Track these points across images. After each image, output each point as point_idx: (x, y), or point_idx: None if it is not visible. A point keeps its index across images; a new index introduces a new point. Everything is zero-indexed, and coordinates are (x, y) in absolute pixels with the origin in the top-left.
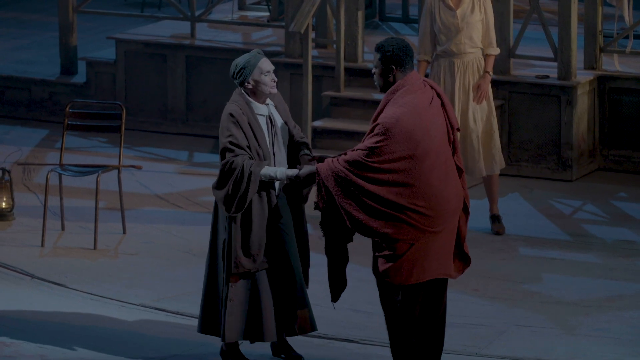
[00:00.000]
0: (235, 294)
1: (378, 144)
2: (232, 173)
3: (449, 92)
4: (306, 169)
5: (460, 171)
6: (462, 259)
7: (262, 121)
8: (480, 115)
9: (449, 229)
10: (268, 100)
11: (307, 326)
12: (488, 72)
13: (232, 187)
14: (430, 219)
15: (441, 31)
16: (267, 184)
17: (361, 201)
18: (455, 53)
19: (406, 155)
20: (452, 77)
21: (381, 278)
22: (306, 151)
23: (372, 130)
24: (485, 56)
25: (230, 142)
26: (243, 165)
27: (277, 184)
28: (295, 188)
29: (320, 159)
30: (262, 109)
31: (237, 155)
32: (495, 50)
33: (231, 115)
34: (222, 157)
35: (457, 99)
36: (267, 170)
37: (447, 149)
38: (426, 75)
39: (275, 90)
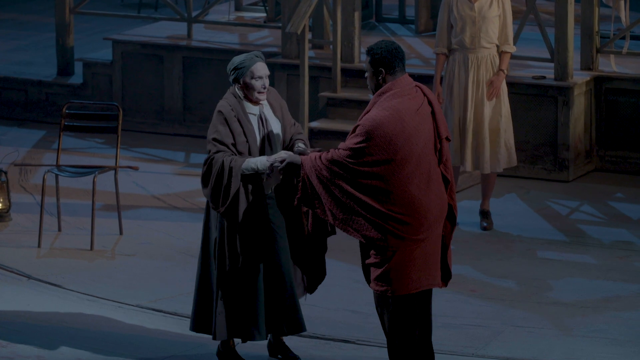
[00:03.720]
0: (227, 293)
1: (358, 145)
2: (212, 169)
3: (463, 87)
4: (291, 157)
5: (447, 181)
6: (444, 274)
7: (254, 120)
8: (489, 112)
9: (432, 238)
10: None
11: (296, 326)
12: (502, 70)
13: (214, 183)
14: (410, 226)
15: (457, 23)
16: (257, 183)
17: (342, 202)
18: (470, 47)
19: (384, 159)
20: (466, 72)
21: (372, 288)
22: (300, 144)
23: (354, 130)
24: (501, 53)
25: (214, 139)
26: (223, 161)
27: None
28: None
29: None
30: (254, 109)
31: (218, 152)
32: (511, 48)
33: (220, 112)
34: (207, 154)
35: (470, 94)
36: (248, 163)
37: (431, 157)
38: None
39: (263, 97)
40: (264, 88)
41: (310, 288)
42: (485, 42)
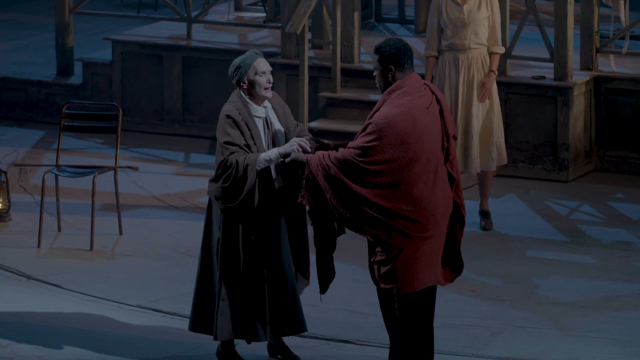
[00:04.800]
0: (228, 293)
1: (369, 144)
2: (227, 170)
3: (454, 87)
4: (295, 155)
5: (452, 179)
6: (456, 268)
7: (259, 123)
8: (481, 112)
9: (437, 236)
10: (266, 103)
11: (298, 326)
12: (493, 71)
13: (230, 180)
14: (418, 224)
15: (447, 26)
16: (269, 182)
17: (349, 201)
18: (460, 48)
19: (396, 157)
20: (456, 72)
21: (378, 286)
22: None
23: (364, 129)
24: (491, 54)
25: (226, 142)
26: (237, 160)
27: (275, 184)
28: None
29: (320, 147)
30: (260, 111)
31: (232, 153)
32: (501, 49)
33: (227, 116)
34: (219, 157)
35: (461, 94)
36: (262, 157)
37: (439, 155)
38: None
39: (269, 94)
40: (269, 83)
41: (323, 288)
42: (475, 44)
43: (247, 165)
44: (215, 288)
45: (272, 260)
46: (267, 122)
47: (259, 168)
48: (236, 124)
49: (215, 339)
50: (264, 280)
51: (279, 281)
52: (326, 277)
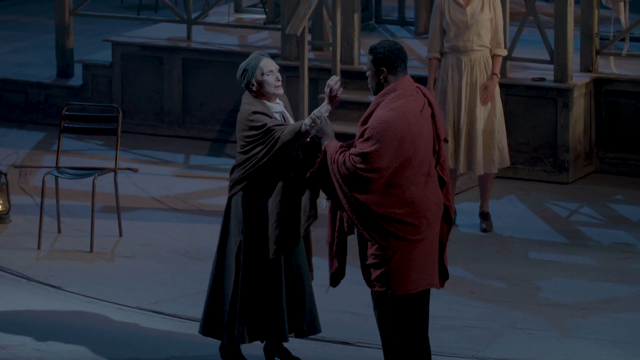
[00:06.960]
0: (251, 296)
1: (369, 149)
2: (272, 132)
3: (456, 89)
4: (324, 130)
5: (443, 182)
6: (441, 274)
7: (277, 117)
8: (483, 114)
9: (430, 238)
10: (278, 100)
11: (315, 327)
12: (495, 74)
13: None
14: (411, 227)
15: (450, 27)
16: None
17: (350, 200)
18: (463, 50)
19: (392, 160)
20: (459, 74)
21: (372, 288)
22: None
23: (362, 135)
24: (493, 57)
25: (269, 127)
26: (278, 136)
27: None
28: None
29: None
30: (275, 107)
31: (275, 131)
32: (503, 51)
33: (254, 112)
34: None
35: (464, 96)
36: (296, 125)
37: (430, 158)
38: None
39: (280, 91)
40: (278, 81)
41: (334, 282)
42: (478, 46)
43: (288, 128)
44: (228, 292)
45: (291, 259)
46: (283, 117)
47: (303, 129)
48: (264, 115)
49: (234, 342)
50: (283, 282)
51: (297, 282)
52: (336, 274)
